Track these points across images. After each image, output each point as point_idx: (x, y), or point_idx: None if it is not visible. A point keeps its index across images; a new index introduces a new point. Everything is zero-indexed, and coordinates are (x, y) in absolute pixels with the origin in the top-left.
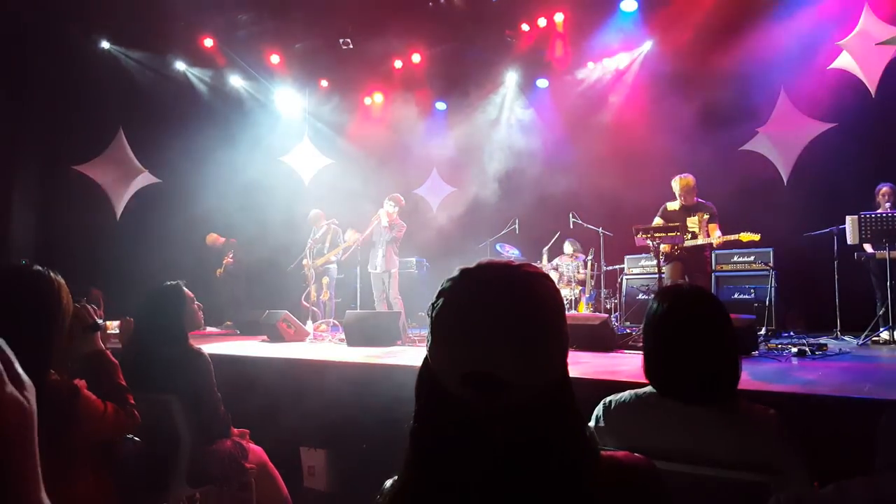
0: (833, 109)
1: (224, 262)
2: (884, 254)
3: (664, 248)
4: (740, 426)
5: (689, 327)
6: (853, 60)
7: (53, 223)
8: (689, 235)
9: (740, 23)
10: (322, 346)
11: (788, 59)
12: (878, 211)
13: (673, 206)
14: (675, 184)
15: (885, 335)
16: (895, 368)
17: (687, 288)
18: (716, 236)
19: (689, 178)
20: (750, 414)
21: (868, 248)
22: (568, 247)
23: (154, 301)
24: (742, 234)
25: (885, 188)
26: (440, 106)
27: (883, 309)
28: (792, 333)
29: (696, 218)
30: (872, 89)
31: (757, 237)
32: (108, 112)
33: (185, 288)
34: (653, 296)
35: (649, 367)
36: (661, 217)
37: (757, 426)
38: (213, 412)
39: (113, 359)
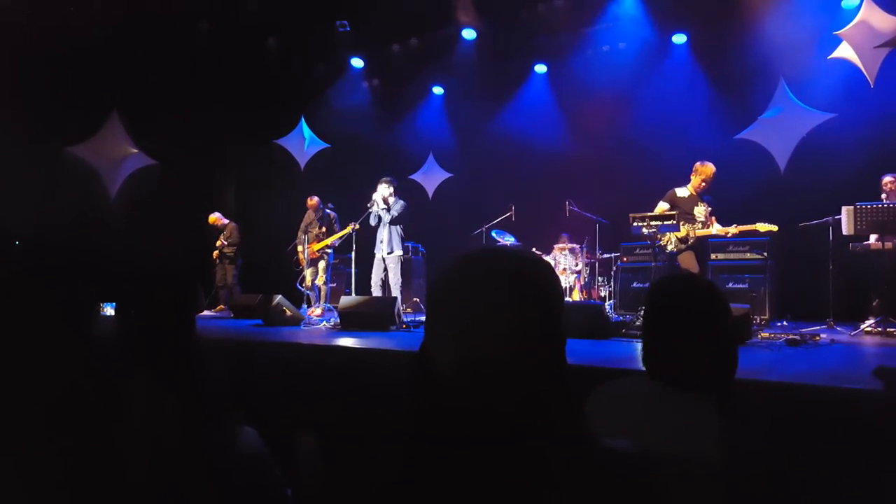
0: (832, 99)
1: (217, 244)
2: (878, 244)
3: (679, 234)
4: (733, 418)
5: (686, 315)
6: (852, 50)
7: (46, 205)
8: (699, 225)
9: (740, 11)
10: (316, 331)
11: (788, 49)
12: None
13: (683, 192)
14: (702, 169)
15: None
16: (888, 359)
17: (686, 275)
18: (717, 227)
19: (714, 168)
20: (744, 406)
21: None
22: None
23: (163, 297)
24: (758, 224)
25: (888, 178)
26: (437, 90)
27: (877, 299)
28: (785, 323)
29: (701, 207)
30: (871, 80)
31: (775, 228)
32: (102, 92)
33: (196, 283)
34: (650, 284)
35: (647, 354)
36: (669, 202)
37: (749, 419)
38: (208, 402)
39: None
